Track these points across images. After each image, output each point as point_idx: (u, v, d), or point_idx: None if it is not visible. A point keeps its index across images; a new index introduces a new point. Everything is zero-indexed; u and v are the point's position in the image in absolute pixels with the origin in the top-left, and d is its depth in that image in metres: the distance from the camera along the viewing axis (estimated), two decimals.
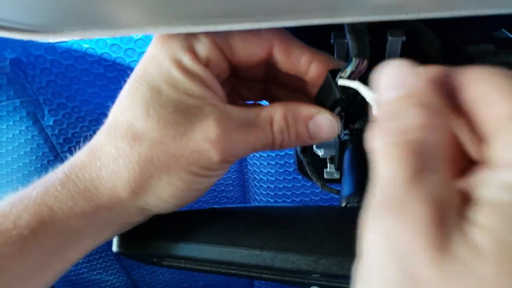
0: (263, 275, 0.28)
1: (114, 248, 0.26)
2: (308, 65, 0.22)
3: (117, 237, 0.27)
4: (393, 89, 0.14)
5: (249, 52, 0.22)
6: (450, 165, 0.12)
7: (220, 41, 0.21)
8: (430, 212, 0.11)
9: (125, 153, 0.21)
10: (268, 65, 0.23)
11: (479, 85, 0.13)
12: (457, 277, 0.10)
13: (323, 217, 0.24)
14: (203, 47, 0.21)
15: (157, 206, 0.23)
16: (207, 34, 0.21)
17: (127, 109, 0.21)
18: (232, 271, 0.28)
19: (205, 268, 0.28)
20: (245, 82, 0.26)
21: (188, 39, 0.21)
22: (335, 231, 0.22)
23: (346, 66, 0.21)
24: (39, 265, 0.22)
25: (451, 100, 0.14)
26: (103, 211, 0.22)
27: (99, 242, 0.24)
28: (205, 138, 0.21)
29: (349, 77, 0.21)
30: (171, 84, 0.21)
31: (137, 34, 0.19)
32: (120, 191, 0.22)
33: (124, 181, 0.21)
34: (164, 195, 0.22)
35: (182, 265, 0.29)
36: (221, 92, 0.22)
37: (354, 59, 0.21)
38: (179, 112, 0.21)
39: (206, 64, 0.21)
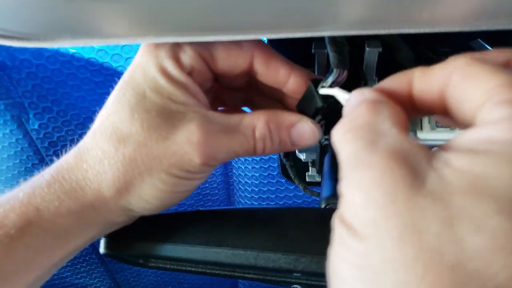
0: (247, 275, 0.29)
1: (101, 250, 0.27)
2: (286, 78, 0.23)
3: (104, 239, 0.27)
4: (353, 104, 0.18)
5: (231, 63, 0.23)
6: (405, 132, 0.15)
7: (204, 51, 0.22)
8: (391, 160, 0.13)
9: (111, 155, 0.22)
10: (250, 75, 0.24)
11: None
12: (431, 204, 0.12)
13: (303, 218, 0.25)
14: (187, 57, 0.22)
15: (140, 207, 0.24)
16: (191, 44, 0.22)
17: (113, 114, 0.22)
18: (217, 271, 0.29)
19: (190, 268, 0.29)
20: (227, 90, 0.27)
21: (173, 49, 0.22)
22: (315, 231, 0.23)
23: (328, 77, 0.22)
24: (26, 263, 0.22)
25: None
26: (89, 210, 0.23)
27: (86, 241, 0.25)
28: (187, 141, 0.21)
29: (330, 87, 0.22)
30: (156, 90, 0.22)
31: (126, 43, 0.20)
32: (105, 191, 0.22)
33: (109, 181, 0.22)
34: (146, 196, 0.23)
35: (168, 266, 0.29)
36: (204, 99, 0.23)
37: (335, 70, 0.22)
38: (163, 117, 0.22)
39: (189, 72, 0.22)
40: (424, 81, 0.17)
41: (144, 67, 0.22)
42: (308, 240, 0.23)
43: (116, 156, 0.22)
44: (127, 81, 0.22)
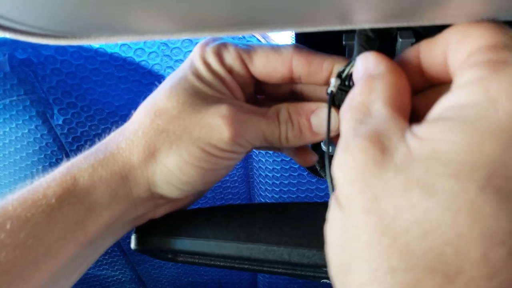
0: (275, 270, 0.29)
1: (133, 245, 0.27)
2: (330, 73, 0.24)
3: (134, 235, 0.27)
4: (358, 75, 0.19)
5: (270, 67, 0.24)
6: (396, 108, 0.16)
7: (244, 54, 0.24)
8: (366, 142, 0.15)
9: (146, 126, 0.24)
10: (292, 85, 0.26)
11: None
12: (393, 175, 0.13)
13: None
14: (229, 55, 0.24)
15: (164, 180, 0.24)
16: (235, 46, 0.24)
17: (155, 92, 0.24)
18: (245, 266, 0.29)
19: (219, 263, 0.29)
20: (273, 102, 0.28)
21: (219, 46, 0.24)
22: None
23: (345, 66, 0.22)
24: (64, 234, 0.23)
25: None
26: (117, 179, 0.24)
27: (113, 217, 0.25)
28: (218, 114, 0.23)
29: (345, 78, 0.23)
30: (197, 75, 0.24)
31: (160, 39, 0.20)
32: (134, 158, 0.24)
33: (139, 148, 0.24)
34: (170, 165, 0.24)
35: (197, 261, 0.30)
36: (241, 96, 0.25)
37: (352, 62, 0.22)
38: (198, 96, 0.23)
39: (229, 70, 0.24)
40: (429, 49, 0.17)
41: (192, 59, 0.25)
42: None
43: (150, 127, 0.23)
44: (176, 70, 0.25)
